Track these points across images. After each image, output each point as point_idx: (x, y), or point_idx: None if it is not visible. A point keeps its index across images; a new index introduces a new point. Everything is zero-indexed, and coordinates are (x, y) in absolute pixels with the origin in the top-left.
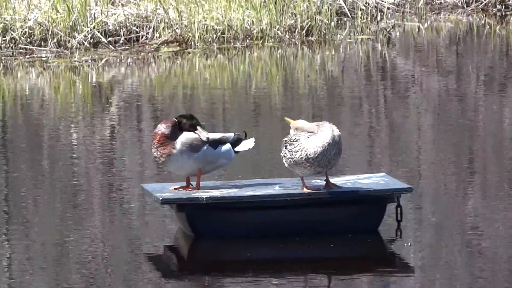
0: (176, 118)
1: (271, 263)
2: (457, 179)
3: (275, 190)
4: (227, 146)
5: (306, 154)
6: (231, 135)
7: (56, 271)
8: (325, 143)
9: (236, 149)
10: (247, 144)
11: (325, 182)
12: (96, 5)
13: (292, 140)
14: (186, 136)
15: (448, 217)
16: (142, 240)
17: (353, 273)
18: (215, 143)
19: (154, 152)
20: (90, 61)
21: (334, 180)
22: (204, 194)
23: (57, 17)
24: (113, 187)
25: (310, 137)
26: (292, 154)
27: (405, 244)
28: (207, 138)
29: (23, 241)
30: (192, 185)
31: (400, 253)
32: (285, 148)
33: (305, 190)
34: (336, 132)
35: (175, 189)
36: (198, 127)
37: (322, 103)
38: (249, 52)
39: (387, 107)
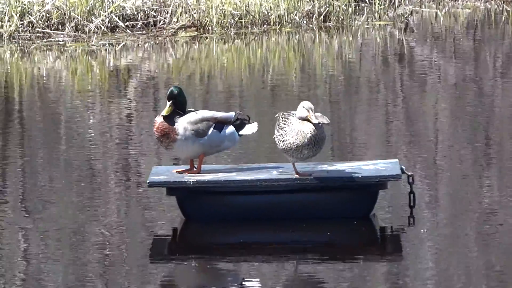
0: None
1: (265, 248)
2: (474, 166)
3: (269, 175)
4: (231, 128)
5: (284, 147)
6: (231, 114)
7: (71, 254)
8: (302, 138)
9: (240, 132)
10: (250, 128)
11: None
12: None
13: (279, 128)
14: (188, 120)
15: (464, 205)
16: (154, 222)
17: (358, 260)
18: (220, 125)
19: (158, 141)
20: (107, 45)
21: (340, 165)
22: (192, 178)
23: (75, 1)
24: (129, 170)
25: (294, 127)
26: (278, 143)
27: (422, 231)
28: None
29: (38, 224)
30: (195, 167)
31: (414, 240)
32: (277, 132)
33: (295, 175)
34: (309, 128)
35: (178, 172)
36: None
37: (339, 89)
38: (266, 38)
39: (404, 93)
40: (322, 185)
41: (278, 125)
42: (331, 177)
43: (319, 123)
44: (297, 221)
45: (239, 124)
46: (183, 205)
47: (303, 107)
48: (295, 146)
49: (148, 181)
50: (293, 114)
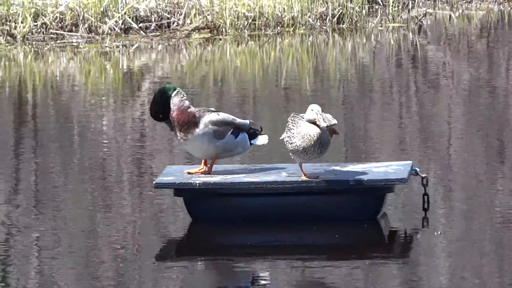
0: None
1: (272, 250)
2: (489, 168)
3: (277, 177)
4: (245, 136)
5: (292, 148)
6: (248, 122)
7: (83, 255)
8: (309, 141)
9: (252, 141)
10: (261, 140)
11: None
12: None
13: (288, 129)
14: (210, 119)
15: (478, 207)
16: (166, 223)
17: (368, 263)
18: (237, 131)
19: (177, 130)
20: (121, 46)
21: (352, 167)
22: (199, 180)
23: (88, 3)
24: (143, 171)
25: (301, 130)
26: (287, 144)
27: (435, 233)
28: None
29: (51, 224)
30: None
31: (426, 243)
32: (285, 134)
33: (302, 178)
34: (315, 131)
35: (189, 172)
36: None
37: (352, 91)
38: (280, 39)
39: (418, 95)
40: (328, 188)
41: (287, 126)
42: (336, 180)
43: (326, 126)
44: (306, 223)
45: (252, 133)
46: (189, 207)
47: (312, 110)
48: (302, 148)
49: (154, 182)
50: (302, 116)
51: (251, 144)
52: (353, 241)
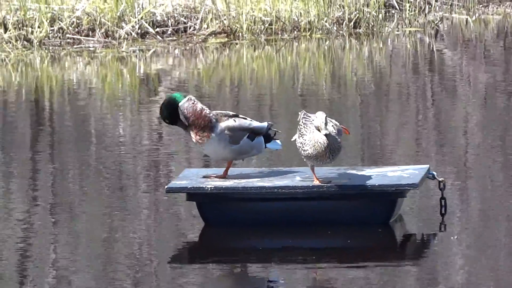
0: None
1: (285, 254)
2: (505, 172)
3: (290, 181)
4: (261, 138)
5: (304, 154)
6: (265, 125)
7: (99, 260)
8: (319, 148)
9: (267, 145)
10: (276, 145)
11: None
12: None
13: (300, 134)
14: (227, 125)
15: (495, 211)
16: (182, 227)
17: (383, 267)
18: (253, 135)
19: (193, 133)
20: (137, 51)
21: (368, 171)
22: (210, 184)
23: (105, 7)
24: (159, 175)
25: (312, 137)
26: (299, 149)
27: (452, 237)
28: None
29: (68, 226)
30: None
31: (444, 247)
32: (297, 138)
33: (315, 182)
34: (323, 138)
35: (214, 177)
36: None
37: (369, 95)
38: (296, 44)
39: (434, 99)
40: (338, 192)
41: (299, 130)
42: (347, 185)
43: (325, 134)
44: (319, 227)
45: (268, 135)
46: (202, 211)
47: (316, 117)
48: (314, 155)
49: (166, 187)
50: (312, 120)
51: (265, 147)
52: (367, 245)
